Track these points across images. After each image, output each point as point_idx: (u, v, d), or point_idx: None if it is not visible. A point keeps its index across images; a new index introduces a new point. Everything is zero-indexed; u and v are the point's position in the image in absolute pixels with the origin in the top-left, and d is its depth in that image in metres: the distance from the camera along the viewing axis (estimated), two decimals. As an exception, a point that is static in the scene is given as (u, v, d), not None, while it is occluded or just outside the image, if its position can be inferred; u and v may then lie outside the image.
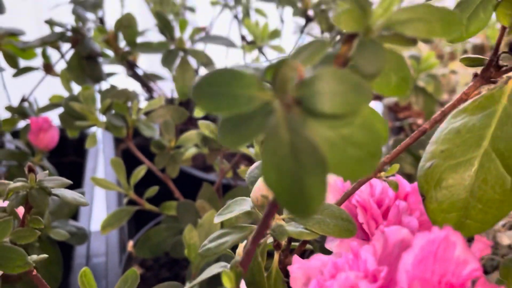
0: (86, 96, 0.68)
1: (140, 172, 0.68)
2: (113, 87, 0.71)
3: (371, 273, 0.31)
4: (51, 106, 0.76)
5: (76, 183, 0.84)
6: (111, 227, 0.68)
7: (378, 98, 1.00)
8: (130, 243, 0.78)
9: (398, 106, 1.01)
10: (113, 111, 0.69)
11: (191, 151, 0.70)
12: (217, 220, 0.42)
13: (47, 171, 0.37)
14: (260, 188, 0.39)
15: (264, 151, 0.22)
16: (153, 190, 0.69)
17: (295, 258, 0.35)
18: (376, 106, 1.10)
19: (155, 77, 0.92)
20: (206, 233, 0.63)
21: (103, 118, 0.69)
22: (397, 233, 0.31)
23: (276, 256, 0.40)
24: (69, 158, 1.08)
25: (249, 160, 0.75)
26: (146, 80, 0.89)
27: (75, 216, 0.85)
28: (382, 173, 0.39)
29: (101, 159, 1.08)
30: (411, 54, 0.84)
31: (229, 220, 0.44)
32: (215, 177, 0.89)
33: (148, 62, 1.18)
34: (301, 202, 0.22)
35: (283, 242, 0.41)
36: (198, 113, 0.82)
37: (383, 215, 0.43)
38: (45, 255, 0.39)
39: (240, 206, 0.41)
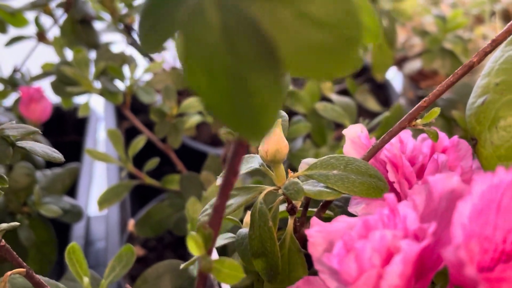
0: (79, 59, 0.62)
1: (139, 142, 0.62)
2: (107, 50, 0.64)
3: (412, 233, 0.24)
4: (44, 74, 0.70)
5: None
6: (109, 203, 0.62)
7: (398, 66, 0.93)
8: (131, 222, 0.72)
9: (421, 75, 0.93)
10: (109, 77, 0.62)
11: (195, 119, 0.64)
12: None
13: (13, 121, 0.31)
14: (270, 141, 0.32)
15: (185, 43, 0.15)
16: (153, 162, 0.63)
17: (314, 220, 0.29)
18: (396, 75, 1.03)
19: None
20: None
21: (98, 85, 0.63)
22: (446, 182, 0.25)
23: (291, 221, 0.33)
24: (69, 137, 1.02)
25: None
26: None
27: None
28: (418, 121, 0.32)
29: (102, 138, 1.02)
30: (436, 14, 0.76)
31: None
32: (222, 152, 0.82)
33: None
34: (246, 115, 0.15)
35: (298, 205, 0.34)
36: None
37: (417, 174, 0.36)
38: (16, 223, 0.33)
39: (247, 164, 0.35)
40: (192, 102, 0.63)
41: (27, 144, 0.29)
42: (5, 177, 0.29)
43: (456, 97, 0.55)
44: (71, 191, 0.76)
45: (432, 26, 0.90)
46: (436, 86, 0.33)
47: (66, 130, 1.02)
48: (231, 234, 0.39)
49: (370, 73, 0.93)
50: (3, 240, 0.32)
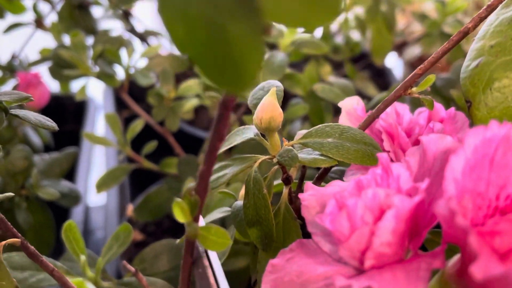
0: (76, 43, 0.62)
1: (137, 125, 0.62)
2: (105, 33, 0.64)
3: (405, 193, 0.24)
4: (42, 60, 0.70)
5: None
6: (106, 186, 0.62)
7: (398, 51, 0.92)
8: (130, 207, 0.72)
9: (421, 61, 0.92)
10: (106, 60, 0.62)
11: (192, 102, 0.64)
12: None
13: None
14: (264, 108, 0.32)
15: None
16: (151, 145, 0.62)
17: (308, 184, 0.28)
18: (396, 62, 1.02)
19: (154, 33, 0.86)
20: (209, 188, 0.56)
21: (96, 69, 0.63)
22: (439, 142, 0.24)
23: (286, 190, 0.33)
24: (68, 126, 1.02)
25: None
26: (145, 35, 0.83)
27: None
28: (414, 88, 0.32)
29: (101, 127, 1.02)
30: (436, -2, 0.75)
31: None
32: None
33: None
34: (228, 65, 0.15)
35: (294, 175, 0.34)
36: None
37: (413, 145, 0.36)
38: (11, 194, 0.33)
39: (242, 135, 0.34)
40: (190, 85, 0.63)
41: (21, 112, 0.29)
42: (-3, 144, 0.29)
43: (454, 76, 0.55)
44: (70, 180, 0.76)
45: (431, 12, 0.90)
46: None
47: (65, 119, 1.02)
48: (227, 208, 0.39)
49: (369, 59, 0.92)
50: (-3, 211, 0.31)
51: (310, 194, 0.27)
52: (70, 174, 0.77)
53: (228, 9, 0.15)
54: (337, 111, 0.75)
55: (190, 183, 0.54)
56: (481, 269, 0.17)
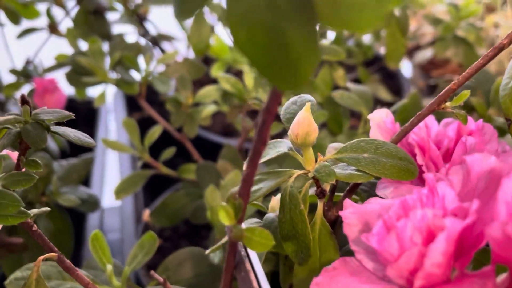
0: (94, 50, 0.62)
1: (155, 132, 0.62)
2: (122, 40, 0.64)
3: (451, 213, 0.24)
4: (57, 65, 0.70)
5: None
6: (125, 193, 0.62)
7: (409, 55, 0.93)
8: (147, 212, 0.72)
9: (431, 64, 0.93)
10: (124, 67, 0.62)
11: (210, 108, 0.64)
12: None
13: (44, 107, 0.31)
14: (300, 124, 0.32)
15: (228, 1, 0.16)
16: (170, 151, 0.63)
17: (347, 202, 0.29)
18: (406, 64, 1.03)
19: (168, 38, 0.86)
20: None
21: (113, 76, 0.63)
22: (484, 162, 0.25)
23: (320, 205, 0.33)
24: (80, 129, 1.02)
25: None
26: (158, 40, 0.83)
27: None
28: (448, 103, 0.32)
29: (113, 130, 1.02)
30: (449, 2, 0.76)
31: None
32: (236, 143, 0.82)
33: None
34: (284, 66, 0.16)
35: (327, 190, 0.34)
36: (215, 71, 0.75)
37: (443, 158, 0.36)
38: (47, 208, 0.33)
39: (275, 148, 0.35)
40: (208, 92, 0.63)
41: (60, 129, 0.30)
42: (39, 161, 0.29)
43: (474, 83, 0.55)
44: (85, 184, 0.77)
45: (442, 15, 0.90)
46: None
47: (76, 123, 1.01)
48: (256, 219, 0.39)
49: (381, 62, 0.92)
50: (35, 225, 0.32)
51: (351, 212, 0.28)
52: (85, 177, 0.77)
53: (289, 15, 0.16)
54: (353, 114, 0.75)
55: (212, 190, 0.54)
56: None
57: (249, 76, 0.62)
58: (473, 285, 0.21)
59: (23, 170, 0.30)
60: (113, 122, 1.02)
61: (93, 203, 0.63)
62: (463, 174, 0.26)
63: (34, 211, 0.33)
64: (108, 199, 0.92)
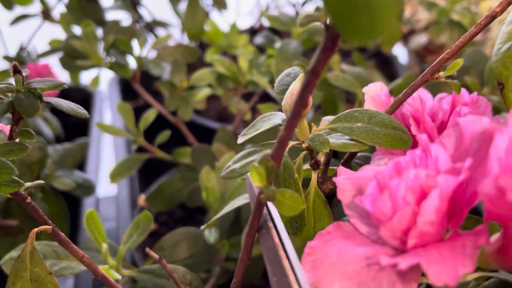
0: (87, 33, 0.62)
1: (150, 115, 0.62)
2: (115, 23, 0.64)
3: (445, 173, 0.24)
4: (51, 51, 0.70)
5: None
6: (120, 176, 0.62)
7: (404, 39, 0.93)
8: (142, 197, 0.72)
9: (426, 50, 0.93)
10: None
11: (205, 91, 0.64)
12: (241, 140, 0.36)
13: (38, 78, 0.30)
14: (293, 94, 0.32)
15: None
16: (165, 135, 0.63)
17: (341, 168, 0.29)
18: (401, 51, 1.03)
19: (162, 24, 0.85)
20: (225, 176, 0.56)
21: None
22: (476, 124, 0.25)
23: (314, 175, 0.33)
24: (74, 117, 1.01)
25: (269, 100, 0.68)
26: (153, 26, 0.82)
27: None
28: (441, 73, 0.32)
29: (108, 118, 1.02)
30: (443, -15, 0.75)
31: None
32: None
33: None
34: (364, 16, 0.16)
35: (322, 160, 0.34)
36: (210, 56, 0.75)
37: (437, 130, 0.36)
38: (40, 181, 0.33)
39: (269, 121, 0.35)
40: (202, 75, 0.63)
41: (53, 99, 0.29)
42: (31, 131, 0.29)
43: (468, 63, 0.55)
44: (80, 170, 0.76)
45: (438, 0, 0.90)
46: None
47: (71, 111, 1.01)
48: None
49: (376, 48, 0.92)
50: (29, 198, 0.32)
51: (345, 178, 0.28)
52: (80, 165, 0.77)
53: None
54: (348, 100, 0.75)
55: (207, 172, 0.54)
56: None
57: (244, 59, 0.62)
58: (465, 243, 0.21)
59: (17, 140, 0.29)
60: (108, 111, 1.02)
61: (88, 188, 0.63)
62: (456, 137, 0.26)
63: (27, 184, 0.33)
64: (104, 188, 0.92)
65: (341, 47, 0.83)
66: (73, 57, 0.63)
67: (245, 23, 1.03)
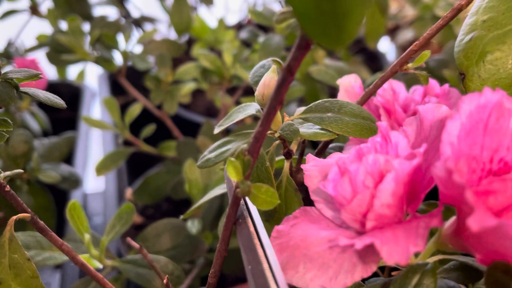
0: (73, 28, 0.62)
1: (135, 109, 0.63)
2: (102, 19, 0.65)
3: (404, 159, 0.25)
4: (39, 45, 0.70)
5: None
6: (106, 169, 0.63)
7: (391, 35, 0.93)
8: (129, 191, 0.73)
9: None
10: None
11: (190, 85, 0.64)
12: (217, 130, 0.37)
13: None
14: (266, 84, 0.33)
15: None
16: (150, 129, 0.63)
17: (310, 156, 0.30)
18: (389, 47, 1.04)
19: (150, 20, 0.86)
20: (208, 169, 0.57)
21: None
22: (435, 111, 0.26)
23: (287, 164, 0.34)
24: (64, 114, 1.02)
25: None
26: (141, 22, 0.83)
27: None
28: (410, 64, 0.33)
29: (97, 114, 1.02)
30: (427, -19, 0.76)
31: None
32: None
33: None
34: (331, 22, 0.16)
35: (294, 150, 0.35)
36: (196, 51, 0.76)
37: (408, 120, 0.37)
38: (20, 170, 0.34)
39: (244, 111, 0.35)
40: (187, 69, 0.64)
41: (30, 90, 0.30)
42: (7, 119, 0.30)
43: (446, 57, 0.56)
44: (68, 165, 0.77)
45: (423, -4, 0.91)
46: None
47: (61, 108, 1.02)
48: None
49: (363, 44, 0.93)
50: (7, 186, 0.32)
51: (312, 165, 0.29)
52: (68, 161, 0.77)
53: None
54: (333, 94, 0.76)
55: (190, 164, 0.55)
56: (477, 222, 0.19)
57: (228, 54, 0.62)
58: (419, 224, 0.22)
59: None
60: (97, 107, 1.02)
61: (75, 181, 0.64)
62: (417, 124, 0.27)
63: (6, 173, 0.34)
64: (92, 184, 0.93)
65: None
66: (59, 52, 0.64)
67: (233, 19, 1.03)
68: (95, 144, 0.98)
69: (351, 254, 0.24)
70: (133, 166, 0.88)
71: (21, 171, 0.33)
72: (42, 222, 0.34)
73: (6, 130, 0.32)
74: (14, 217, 0.32)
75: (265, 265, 0.24)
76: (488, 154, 0.23)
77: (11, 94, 0.28)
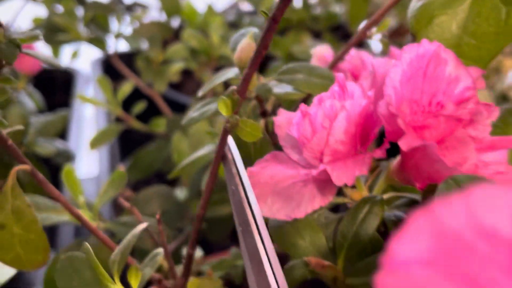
0: (68, 9, 0.66)
1: (127, 87, 0.66)
2: (96, 2, 0.68)
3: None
4: (34, 28, 0.74)
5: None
6: (99, 143, 0.66)
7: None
8: (121, 167, 0.76)
9: (398, 34, 0.98)
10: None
11: (179, 65, 0.68)
12: (200, 93, 0.41)
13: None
14: (243, 49, 0.37)
15: None
16: (140, 106, 0.67)
17: (280, 110, 0.33)
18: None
19: (141, 5, 0.89)
20: (196, 141, 0.61)
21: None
22: (386, 65, 0.30)
23: (262, 121, 0.38)
24: (58, 98, 1.05)
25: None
26: (132, 7, 0.86)
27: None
28: (373, 30, 0.37)
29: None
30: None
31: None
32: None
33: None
34: None
35: (269, 109, 0.39)
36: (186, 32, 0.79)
37: (374, 86, 0.41)
38: (20, 126, 0.37)
39: (224, 75, 0.39)
40: (176, 49, 0.67)
41: (31, 51, 0.34)
42: (11, 77, 0.33)
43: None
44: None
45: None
46: None
47: (54, 91, 1.05)
48: (212, 145, 0.44)
49: (346, 30, 0.97)
50: (10, 140, 0.36)
51: (282, 117, 0.32)
52: (62, 128, 0.80)
53: None
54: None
55: (178, 137, 0.59)
56: (406, 142, 0.22)
57: (216, 34, 0.66)
58: (366, 155, 0.26)
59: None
60: (91, 91, 1.05)
61: (68, 156, 0.67)
62: (372, 78, 0.30)
63: (9, 129, 0.37)
64: (86, 169, 0.96)
65: (313, 28, 0.88)
66: (54, 32, 0.67)
67: (224, 3, 1.07)
68: (89, 127, 1.01)
69: (312, 187, 0.28)
70: (126, 151, 0.91)
71: (22, 127, 0.37)
72: (41, 174, 0.38)
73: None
74: (16, 168, 0.36)
75: (242, 194, 0.28)
76: (427, 98, 0.27)
77: (14, 53, 0.32)
